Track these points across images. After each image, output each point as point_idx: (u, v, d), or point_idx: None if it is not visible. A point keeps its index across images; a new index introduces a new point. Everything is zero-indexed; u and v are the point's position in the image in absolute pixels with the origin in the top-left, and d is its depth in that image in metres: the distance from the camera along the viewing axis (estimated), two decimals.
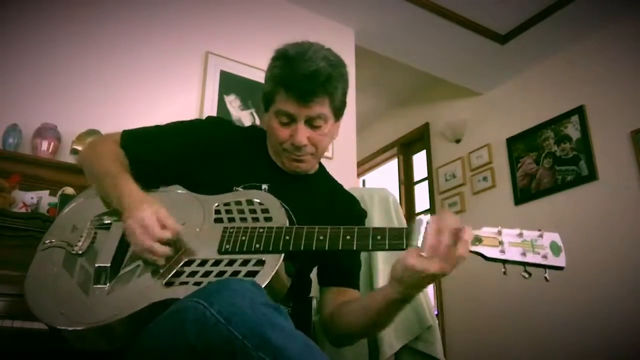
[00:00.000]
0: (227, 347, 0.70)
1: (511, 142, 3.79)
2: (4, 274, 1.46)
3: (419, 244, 0.87)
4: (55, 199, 1.85)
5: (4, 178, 1.83)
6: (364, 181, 5.45)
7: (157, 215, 0.95)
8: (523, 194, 3.60)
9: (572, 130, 3.41)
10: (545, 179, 3.50)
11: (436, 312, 3.76)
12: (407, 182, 4.77)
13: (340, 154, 2.94)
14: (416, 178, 4.74)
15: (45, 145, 2.12)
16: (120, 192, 1.02)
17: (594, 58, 3.39)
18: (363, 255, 1.48)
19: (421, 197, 4.62)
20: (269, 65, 1.16)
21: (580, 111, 3.38)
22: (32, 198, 1.85)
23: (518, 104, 3.84)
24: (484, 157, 3.94)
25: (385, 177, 5.25)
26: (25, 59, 2.32)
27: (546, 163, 3.53)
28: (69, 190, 1.84)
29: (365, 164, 5.22)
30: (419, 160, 4.73)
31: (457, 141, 4.19)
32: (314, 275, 1.25)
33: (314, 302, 1.37)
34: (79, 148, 2.11)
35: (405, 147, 4.87)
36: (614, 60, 3.28)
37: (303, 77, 1.06)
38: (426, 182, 4.49)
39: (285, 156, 1.16)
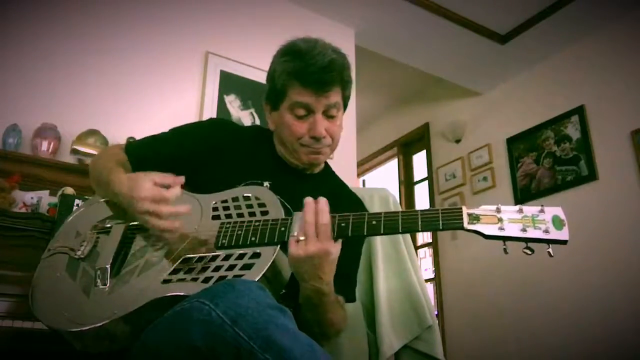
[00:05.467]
0: (233, 348, 0.70)
1: (511, 142, 3.79)
2: (4, 274, 1.47)
3: (294, 233, 0.93)
4: (55, 199, 1.85)
5: (4, 178, 1.83)
6: (364, 181, 5.46)
7: (155, 181, 0.96)
8: (523, 194, 3.60)
9: (572, 130, 3.41)
10: (546, 179, 3.50)
11: (436, 312, 3.77)
12: (407, 182, 4.77)
13: (340, 154, 2.92)
14: (416, 178, 4.74)
15: (45, 145, 2.12)
16: (112, 183, 1.04)
17: (594, 58, 3.39)
18: (364, 253, 1.47)
19: (421, 197, 4.62)
20: (275, 62, 1.16)
21: (580, 111, 3.38)
22: (32, 198, 1.85)
23: (518, 104, 3.84)
24: (484, 157, 3.94)
25: (385, 177, 5.25)
26: (25, 59, 2.32)
27: (546, 163, 3.53)
28: (69, 190, 1.84)
29: (365, 164, 5.22)
30: (419, 160, 4.73)
31: (457, 141, 4.19)
32: None
33: None
34: (79, 148, 2.11)
35: (405, 147, 4.87)
36: (614, 60, 3.28)
37: (320, 68, 1.07)
38: (426, 182, 4.49)
39: (303, 151, 1.15)
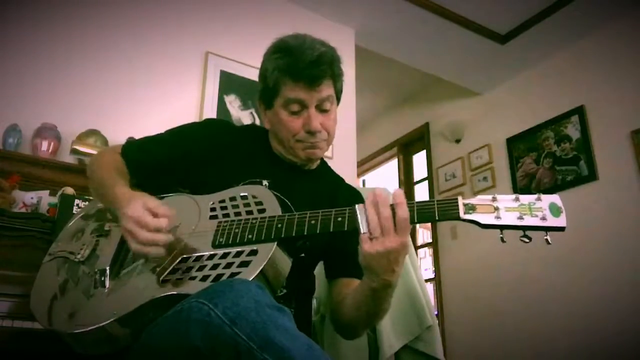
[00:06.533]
0: (232, 348, 0.70)
1: (511, 142, 3.79)
2: (4, 274, 1.47)
3: (365, 229, 0.87)
4: (55, 199, 1.85)
5: (4, 178, 1.83)
6: (364, 181, 5.46)
7: (146, 206, 0.94)
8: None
9: (572, 130, 3.41)
10: (546, 179, 3.50)
11: (436, 312, 3.77)
12: (407, 182, 4.77)
13: (340, 154, 2.94)
14: (416, 178, 4.75)
15: (45, 145, 2.12)
16: (113, 196, 1.03)
17: (594, 58, 3.39)
18: None
19: (421, 197, 4.62)
20: (266, 60, 1.15)
21: (580, 111, 3.38)
22: (32, 198, 1.85)
23: (518, 104, 3.84)
24: (484, 157, 3.94)
25: (385, 177, 5.25)
26: (25, 59, 2.32)
27: (546, 163, 3.53)
28: (69, 190, 1.84)
29: (365, 164, 5.22)
30: (419, 160, 4.74)
31: (457, 141, 4.19)
32: (317, 275, 1.25)
33: (314, 302, 1.37)
34: (79, 148, 2.11)
35: (405, 147, 4.87)
36: (614, 60, 3.28)
37: (310, 63, 1.07)
38: (426, 182, 4.49)
39: (299, 147, 1.15)
